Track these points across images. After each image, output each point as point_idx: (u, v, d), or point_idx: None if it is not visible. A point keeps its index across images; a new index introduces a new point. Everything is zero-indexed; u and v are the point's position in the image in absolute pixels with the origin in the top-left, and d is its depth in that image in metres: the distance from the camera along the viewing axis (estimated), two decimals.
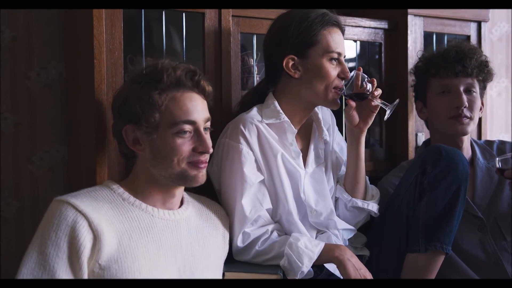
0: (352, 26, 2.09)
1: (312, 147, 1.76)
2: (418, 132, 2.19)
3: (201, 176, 1.43)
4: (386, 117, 1.67)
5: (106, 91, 1.58)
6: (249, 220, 1.59)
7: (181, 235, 1.45)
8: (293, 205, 1.67)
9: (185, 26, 1.74)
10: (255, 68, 1.95)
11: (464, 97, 1.88)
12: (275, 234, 1.63)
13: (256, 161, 1.64)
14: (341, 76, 1.66)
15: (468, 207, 1.83)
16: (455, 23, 2.26)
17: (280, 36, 1.68)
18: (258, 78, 1.96)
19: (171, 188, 1.45)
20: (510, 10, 3.10)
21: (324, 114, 1.82)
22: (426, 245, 1.64)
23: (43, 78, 1.98)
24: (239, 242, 1.60)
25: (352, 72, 1.66)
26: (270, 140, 1.65)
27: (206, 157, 1.44)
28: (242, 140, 1.61)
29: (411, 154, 2.17)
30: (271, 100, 1.70)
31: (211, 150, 1.43)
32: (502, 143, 2.02)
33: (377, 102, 1.64)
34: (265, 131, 1.65)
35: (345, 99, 1.67)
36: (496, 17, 3.00)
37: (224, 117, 1.75)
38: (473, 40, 2.30)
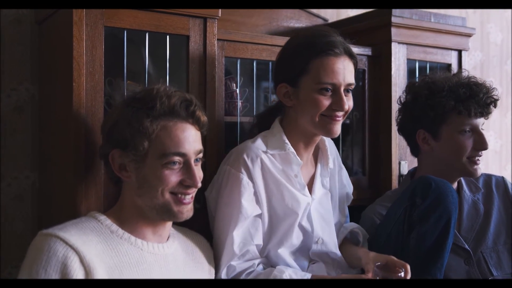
0: None
1: (318, 174, 1.70)
2: (401, 160, 2.16)
3: (186, 211, 1.36)
4: None
5: (85, 116, 1.49)
6: (237, 254, 1.53)
7: (170, 270, 1.38)
8: (296, 237, 1.60)
9: (169, 49, 1.67)
10: (238, 93, 1.89)
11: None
12: (260, 266, 1.57)
13: (255, 193, 1.57)
14: (333, 108, 1.56)
15: (456, 239, 1.79)
16: (437, 51, 2.26)
17: (278, 62, 1.65)
18: (240, 103, 1.90)
19: (159, 221, 1.38)
20: (483, 38, 3.15)
21: (330, 145, 1.77)
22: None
23: (13, 100, 1.87)
24: (223, 275, 1.53)
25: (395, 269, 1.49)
26: (273, 173, 1.58)
27: (192, 191, 1.37)
28: (243, 170, 1.55)
29: (395, 182, 2.14)
30: (277, 129, 1.64)
31: (199, 185, 1.37)
32: (488, 176, 1.99)
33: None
34: (269, 163, 1.59)
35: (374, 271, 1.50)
36: (471, 46, 3.02)
37: (208, 143, 1.67)
38: (454, 68, 2.30)
